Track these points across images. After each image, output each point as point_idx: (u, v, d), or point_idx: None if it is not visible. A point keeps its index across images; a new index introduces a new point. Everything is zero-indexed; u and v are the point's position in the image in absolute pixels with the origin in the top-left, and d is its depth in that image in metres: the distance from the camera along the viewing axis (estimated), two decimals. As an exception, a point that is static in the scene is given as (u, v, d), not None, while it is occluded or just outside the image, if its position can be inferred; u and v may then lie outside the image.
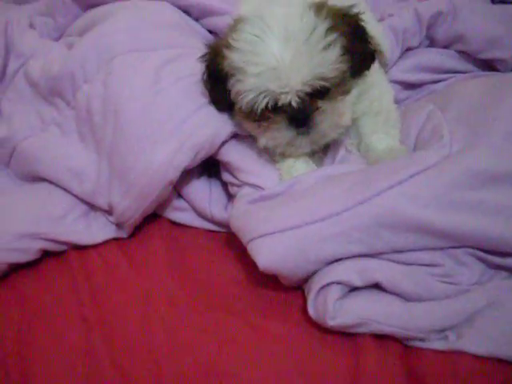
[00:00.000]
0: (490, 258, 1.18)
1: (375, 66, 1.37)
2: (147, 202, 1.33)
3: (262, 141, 1.28)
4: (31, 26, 1.79)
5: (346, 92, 1.27)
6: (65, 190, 1.43)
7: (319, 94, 1.21)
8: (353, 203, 1.15)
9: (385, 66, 1.55)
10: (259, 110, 1.21)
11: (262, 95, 1.18)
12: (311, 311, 1.15)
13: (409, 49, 1.66)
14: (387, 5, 1.80)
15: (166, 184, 1.31)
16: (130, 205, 1.34)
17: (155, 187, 1.31)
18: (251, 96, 1.19)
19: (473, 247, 1.18)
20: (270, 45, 1.16)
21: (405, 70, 1.65)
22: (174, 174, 1.30)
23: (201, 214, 1.44)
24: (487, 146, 1.19)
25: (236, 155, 1.36)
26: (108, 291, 1.27)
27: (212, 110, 1.35)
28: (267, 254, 1.17)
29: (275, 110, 1.22)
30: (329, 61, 1.18)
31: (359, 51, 1.25)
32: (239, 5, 1.49)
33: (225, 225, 1.38)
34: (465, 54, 1.65)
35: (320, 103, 1.22)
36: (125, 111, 1.35)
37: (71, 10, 1.76)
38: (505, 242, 1.15)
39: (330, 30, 1.18)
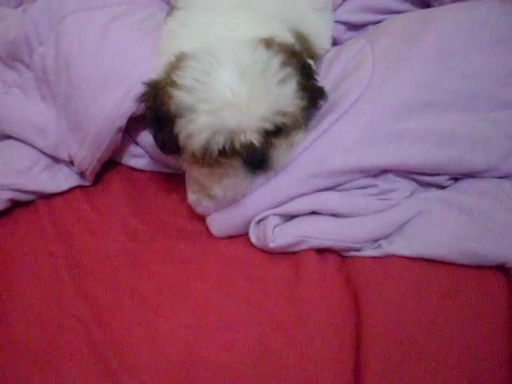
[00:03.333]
0: (419, 177, 1.28)
1: None
2: (101, 149, 1.41)
3: (218, 191, 1.22)
4: (-10, -4, 1.88)
5: (299, 130, 1.23)
6: (30, 145, 1.52)
7: (274, 132, 1.15)
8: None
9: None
10: (215, 152, 1.11)
11: (218, 134, 1.08)
12: (253, 239, 1.27)
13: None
14: None
15: (115, 130, 1.39)
16: (87, 153, 1.42)
17: (106, 134, 1.39)
18: (205, 136, 1.08)
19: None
20: (224, 79, 1.08)
21: (349, 11, 1.69)
22: (121, 121, 1.38)
23: (156, 159, 1.51)
24: (406, 76, 1.27)
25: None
26: (73, 231, 1.38)
27: (150, 64, 1.36)
28: (217, 226, 1.31)
29: (227, 154, 1.14)
30: (286, 95, 1.11)
31: (310, 88, 1.20)
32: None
33: (178, 167, 1.45)
34: (404, -6, 1.69)
35: (275, 141, 1.17)
36: (75, 65, 1.42)
37: (27, -22, 1.80)
38: (433, 167, 1.25)
39: (283, 64, 1.11)
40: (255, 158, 1.15)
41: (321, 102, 1.27)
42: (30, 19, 1.55)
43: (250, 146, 1.12)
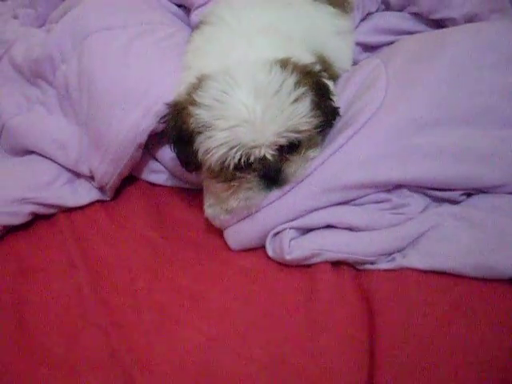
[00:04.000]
0: (432, 192, 1.31)
1: None
2: (122, 165, 1.45)
3: (233, 203, 1.25)
4: (15, 17, 1.94)
5: (314, 146, 1.28)
6: (51, 160, 1.56)
7: (289, 148, 1.21)
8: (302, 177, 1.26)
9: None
10: (232, 166, 1.17)
11: (234, 150, 1.14)
12: (270, 252, 1.30)
13: (368, 14, 1.77)
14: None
15: (135, 147, 1.43)
16: (108, 169, 1.46)
17: (127, 150, 1.43)
18: (222, 151, 1.15)
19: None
20: (240, 98, 1.14)
21: (364, 33, 1.76)
22: (141, 138, 1.42)
23: (175, 175, 1.55)
24: (419, 94, 1.31)
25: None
26: (93, 243, 1.41)
27: (172, 81, 1.42)
28: (235, 240, 1.34)
29: (243, 169, 1.20)
30: (300, 114, 1.16)
31: (325, 107, 1.26)
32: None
33: (196, 183, 1.49)
34: (418, 16, 1.74)
35: (290, 156, 1.22)
36: (97, 83, 1.47)
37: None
38: (445, 182, 1.28)
39: (297, 83, 1.17)
40: (270, 173, 1.22)
41: (334, 122, 1.32)
42: (53, 38, 1.61)
43: (264, 161, 1.19)
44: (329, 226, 1.29)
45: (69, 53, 1.58)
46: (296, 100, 1.16)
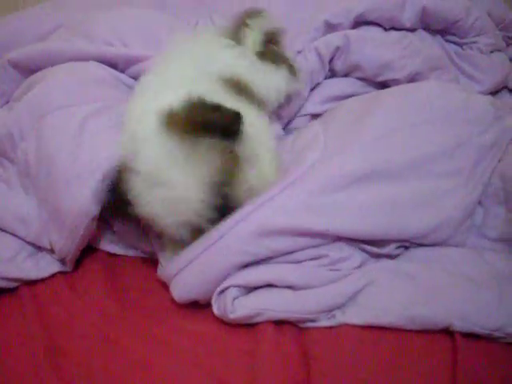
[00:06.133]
0: (368, 248, 1.38)
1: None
2: (77, 238, 1.51)
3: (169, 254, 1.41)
4: (-20, 95, 2.04)
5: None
6: (13, 234, 1.62)
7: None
8: (234, 222, 1.34)
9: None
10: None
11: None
12: (215, 309, 1.35)
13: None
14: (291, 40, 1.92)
15: (89, 220, 1.49)
16: (66, 241, 1.52)
17: (81, 223, 1.49)
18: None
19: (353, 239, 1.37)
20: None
21: (313, 103, 1.84)
22: (95, 210, 1.49)
23: (130, 245, 1.63)
24: (354, 150, 1.40)
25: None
26: (53, 314, 1.46)
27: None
28: (178, 290, 1.39)
29: None
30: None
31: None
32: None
33: (150, 251, 1.57)
34: (363, 79, 1.84)
35: None
36: (54, 159, 1.54)
37: (13, 77, 1.96)
38: (376, 235, 1.36)
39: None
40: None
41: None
42: (13, 117, 1.69)
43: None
44: (270, 285, 1.35)
45: (28, 130, 1.65)
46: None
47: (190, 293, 1.39)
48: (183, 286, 1.39)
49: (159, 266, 1.50)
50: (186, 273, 1.37)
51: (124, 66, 1.91)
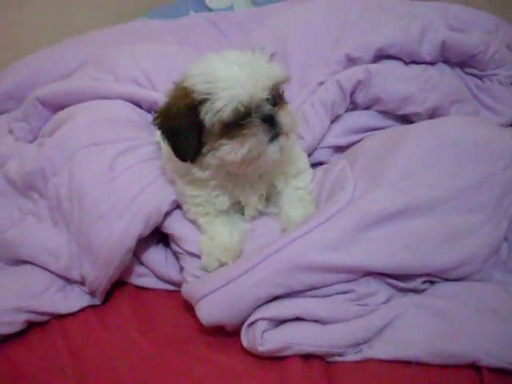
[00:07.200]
0: (395, 282, 1.40)
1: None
2: (111, 270, 1.55)
3: (241, 151, 1.37)
4: (10, 131, 2.10)
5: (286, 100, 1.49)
6: (43, 268, 1.66)
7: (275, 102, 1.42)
8: (268, 253, 1.37)
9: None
10: (242, 113, 1.35)
11: (239, 102, 1.33)
12: (244, 342, 1.38)
13: (336, 116, 1.89)
14: (313, 71, 1.99)
15: (125, 251, 1.54)
16: (98, 274, 1.56)
17: (116, 255, 1.54)
18: (232, 105, 1.33)
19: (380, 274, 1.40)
20: (230, 69, 1.37)
21: (335, 136, 1.88)
22: (130, 242, 1.54)
23: (160, 278, 1.67)
24: (382, 189, 1.43)
25: (177, 227, 1.60)
26: (83, 348, 1.49)
27: (155, 188, 1.59)
28: (206, 312, 1.41)
29: (246, 126, 1.36)
30: (275, 71, 1.41)
31: None
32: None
33: (179, 283, 1.60)
34: (384, 112, 1.88)
35: (278, 110, 1.41)
36: (86, 196, 1.60)
37: (43, 114, 2.03)
38: (406, 269, 1.38)
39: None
40: (267, 117, 1.37)
41: None
42: (45, 152, 1.76)
43: (261, 109, 1.37)
44: (298, 318, 1.37)
45: (60, 166, 1.71)
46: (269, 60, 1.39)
47: (219, 317, 1.40)
48: (212, 309, 1.40)
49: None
50: (217, 296, 1.39)
51: (149, 107, 1.97)
